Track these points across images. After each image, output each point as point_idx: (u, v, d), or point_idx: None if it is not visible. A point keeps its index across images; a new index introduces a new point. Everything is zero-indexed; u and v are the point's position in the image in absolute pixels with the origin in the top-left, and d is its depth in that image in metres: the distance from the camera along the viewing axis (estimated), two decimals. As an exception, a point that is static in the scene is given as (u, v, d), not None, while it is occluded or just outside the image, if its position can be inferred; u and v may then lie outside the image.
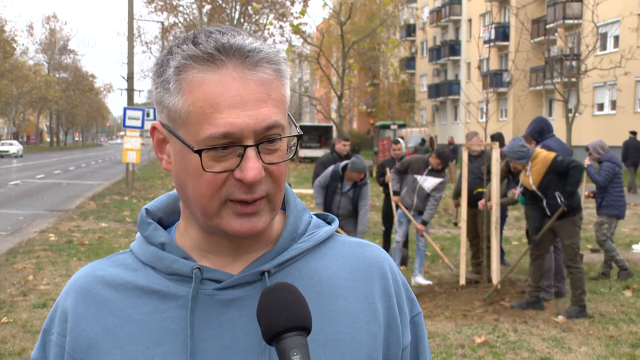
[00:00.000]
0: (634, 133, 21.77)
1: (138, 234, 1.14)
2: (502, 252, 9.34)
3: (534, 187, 6.93)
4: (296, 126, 1.07)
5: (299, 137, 1.04)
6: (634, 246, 11.10)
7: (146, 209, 1.14)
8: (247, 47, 1.00)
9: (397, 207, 9.02)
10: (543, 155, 6.92)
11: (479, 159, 8.82)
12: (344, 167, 7.93)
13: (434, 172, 8.59)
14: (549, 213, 6.94)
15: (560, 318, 6.73)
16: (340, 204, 8.01)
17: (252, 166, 0.97)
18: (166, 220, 1.16)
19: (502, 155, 8.38)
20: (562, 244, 7.03)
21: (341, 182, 7.96)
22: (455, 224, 10.33)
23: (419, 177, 8.67)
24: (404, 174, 8.90)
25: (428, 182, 8.61)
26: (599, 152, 8.70)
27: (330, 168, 8.12)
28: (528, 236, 7.66)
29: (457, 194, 9.44)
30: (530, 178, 6.91)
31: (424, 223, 8.70)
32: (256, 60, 1.00)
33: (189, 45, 1.00)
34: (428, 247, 11.13)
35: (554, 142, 7.81)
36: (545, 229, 6.97)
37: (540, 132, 7.86)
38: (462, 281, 8.29)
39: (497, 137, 9.58)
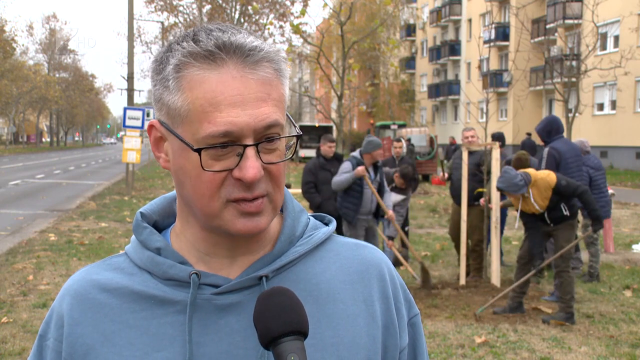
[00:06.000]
0: (529, 134, 25.21)
1: (133, 237, 1.13)
2: (500, 253, 9.32)
3: (541, 211, 6.66)
4: (295, 126, 1.06)
5: (298, 137, 1.04)
6: (634, 246, 11.10)
7: (141, 213, 1.13)
8: (247, 45, 0.99)
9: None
10: (542, 178, 6.61)
11: (474, 155, 8.68)
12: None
13: (398, 189, 8.59)
14: (549, 222, 6.74)
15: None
16: None
17: (251, 165, 0.97)
18: (161, 223, 1.16)
19: (502, 156, 8.36)
20: (557, 246, 6.84)
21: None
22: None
23: None
24: None
25: (391, 197, 8.56)
26: None
27: None
28: (522, 258, 7.36)
29: (453, 192, 9.33)
30: (535, 204, 6.60)
31: (391, 238, 8.63)
32: (257, 59, 0.99)
33: (189, 42, 0.99)
34: (429, 247, 11.16)
35: (562, 144, 7.67)
36: (558, 255, 6.71)
37: (548, 132, 7.71)
38: (462, 281, 8.29)
39: (498, 137, 9.48)
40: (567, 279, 6.66)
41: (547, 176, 6.64)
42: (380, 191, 7.88)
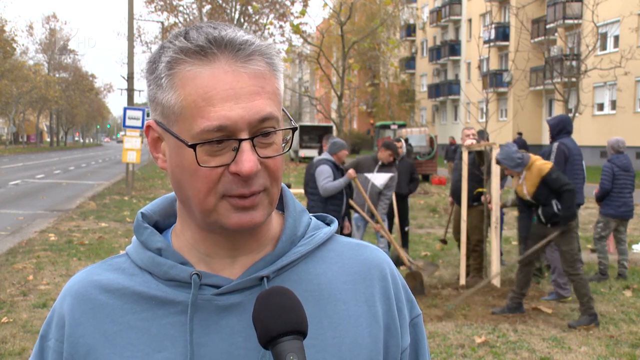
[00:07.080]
0: (520, 133, 27.15)
1: (134, 237, 1.13)
2: (500, 253, 9.30)
3: (528, 197, 6.79)
4: (291, 120, 1.05)
5: (294, 130, 1.03)
6: (634, 246, 11.08)
7: (142, 213, 1.13)
8: (238, 39, 0.99)
9: (354, 210, 8.73)
10: (538, 165, 6.72)
11: (469, 155, 8.64)
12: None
13: (384, 167, 8.57)
14: (544, 220, 6.76)
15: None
16: None
17: (247, 159, 0.96)
18: (162, 223, 1.15)
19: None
20: (560, 251, 6.82)
21: None
22: (444, 242, 10.25)
23: (369, 175, 8.57)
24: None
25: (379, 178, 8.54)
26: (609, 151, 8.77)
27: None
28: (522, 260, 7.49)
29: (453, 193, 9.31)
30: (524, 187, 6.76)
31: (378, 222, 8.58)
32: (248, 53, 0.99)
33: (181, 39, 1.00)
34: (429, 247, 11.14)
35: (570, 141, 7.87)
36: (539, 248, 6.74)
37: (559, 130, 7.90)
38: (462, 281, 8.29)
39: (480, 134, 9.50)
40: (579, 281, 6.62)
41: (543, 164, 6.75)
42: (350, 193, 8.13)
